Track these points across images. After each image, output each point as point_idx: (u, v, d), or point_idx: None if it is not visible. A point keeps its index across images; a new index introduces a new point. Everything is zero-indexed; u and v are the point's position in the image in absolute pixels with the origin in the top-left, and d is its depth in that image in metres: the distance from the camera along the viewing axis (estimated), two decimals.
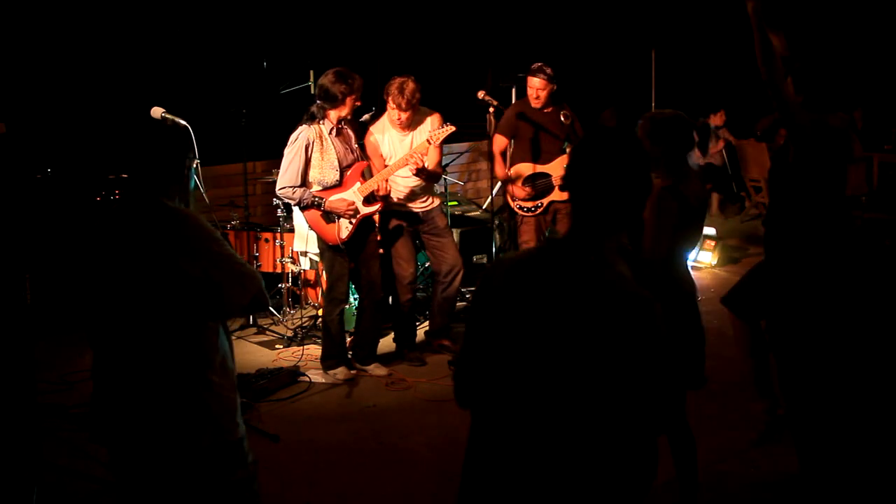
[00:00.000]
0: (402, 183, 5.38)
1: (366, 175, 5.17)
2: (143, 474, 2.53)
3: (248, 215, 6.71)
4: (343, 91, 4.89)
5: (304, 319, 6.26)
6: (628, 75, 9.75)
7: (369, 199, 5.12)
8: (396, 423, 4.72)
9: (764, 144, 9.74)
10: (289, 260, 6.28)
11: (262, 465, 2.79)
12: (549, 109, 5.77)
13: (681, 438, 3.49)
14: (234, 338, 5.94)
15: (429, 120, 5.32)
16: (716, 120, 9.94)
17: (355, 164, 5.14)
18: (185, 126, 4.19)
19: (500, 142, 5.87)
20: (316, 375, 5.30)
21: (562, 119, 5.74)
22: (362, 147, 5.33)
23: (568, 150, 5.82)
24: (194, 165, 2.78)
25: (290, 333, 6.10)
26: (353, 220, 5.05)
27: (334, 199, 5.01)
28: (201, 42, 7.18)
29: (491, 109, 5.65)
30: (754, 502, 3.81)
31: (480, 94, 5.65)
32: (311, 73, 6.40)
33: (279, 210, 6.25)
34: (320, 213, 5.04)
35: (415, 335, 5.85)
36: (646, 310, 1.86)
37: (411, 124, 5.29)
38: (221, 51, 7.31)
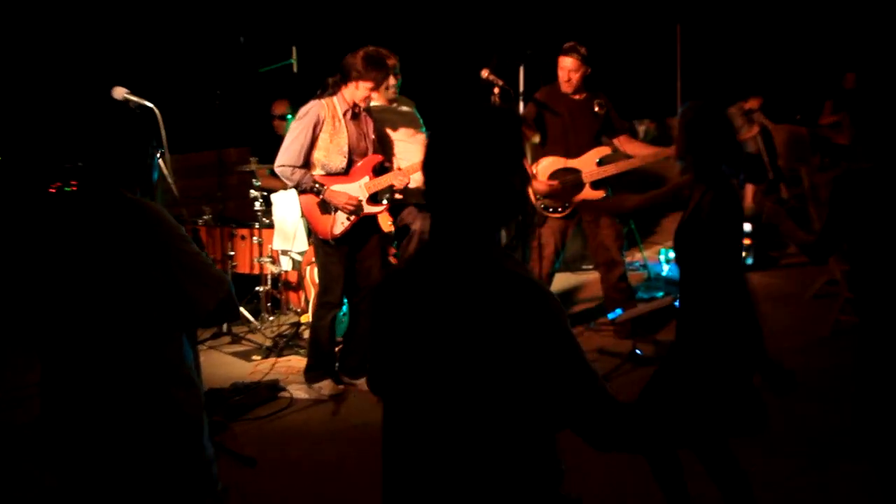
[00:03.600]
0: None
1: (377, 171, 4.92)
2: (99, 500, 2.42)
3: (222, 209, 6.58)
4: (358, 71, 4.63)
5: (284, 327, 6.09)
6: (650, 54, 9.44)
7: (374, 199, 4.92)
8: None
9: (804, 129, 9.34)
10: (268, 259, 6.16)
11: (236, 491, 2.71)
12: (582, 96, 5.42)
13: (665, 462, 3.16)
14: (205, 348, 5.93)
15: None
16: (751, 103, 9.54)
17: (368, 156, 4.93)
18: (151, 109, 4.04)
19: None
20: (298, 390, 5.10)
21: (595, 108, 5.44)
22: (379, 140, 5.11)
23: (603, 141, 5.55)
24: (158, 154, 2.72)
25: (268, 343, 5.90)
26: (352, 218, 4.83)
27: (336, 190, 4.78)
28: (170, 15, 7.28)
29: (496, 90, 5.28)
30: None
31: (484, 73, 5.31)
32: (294, 49, 6.28)
33: (257, 203, 6.11)
34: (317, 200, 4.80)
35: None
36: (544, 299, 1.81)
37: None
38: (193, 25, 7.38)
